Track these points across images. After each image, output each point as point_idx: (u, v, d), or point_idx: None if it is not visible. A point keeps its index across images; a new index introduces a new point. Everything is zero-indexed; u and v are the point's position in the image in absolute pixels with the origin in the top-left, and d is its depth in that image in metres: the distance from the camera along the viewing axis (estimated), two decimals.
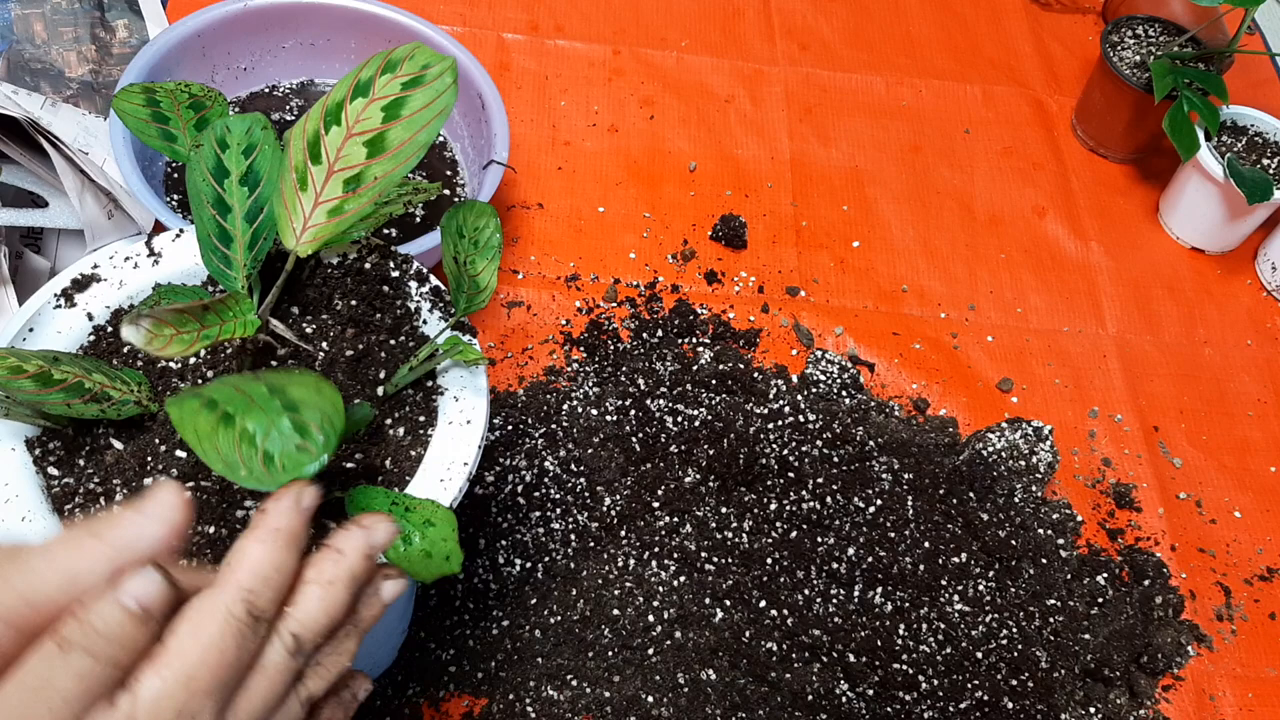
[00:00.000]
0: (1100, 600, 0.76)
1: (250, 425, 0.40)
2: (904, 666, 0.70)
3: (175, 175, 0.83)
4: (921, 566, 0.74)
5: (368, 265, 0.58)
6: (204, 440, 0.40)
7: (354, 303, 0.57)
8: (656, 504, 0.74)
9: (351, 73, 0.47)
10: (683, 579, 0.72)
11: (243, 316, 0.48)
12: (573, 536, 0.72)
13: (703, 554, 0.72)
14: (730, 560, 0.72)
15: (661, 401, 0.79)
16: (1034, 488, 0.80)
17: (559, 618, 0.69)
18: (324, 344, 0.55)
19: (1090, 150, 1.05)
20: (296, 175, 0.47)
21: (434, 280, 0.59)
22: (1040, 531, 0.77)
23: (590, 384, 0.80)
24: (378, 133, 0.46)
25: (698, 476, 0.76)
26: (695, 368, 0.82)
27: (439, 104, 0.46)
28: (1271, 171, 0.93)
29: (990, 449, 0.81)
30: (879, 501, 0.76)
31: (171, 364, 0.54)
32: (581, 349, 0.83)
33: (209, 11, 0.85)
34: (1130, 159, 1.04)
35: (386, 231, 0.82)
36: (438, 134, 0.47)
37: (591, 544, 0.72)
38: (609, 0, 1.07)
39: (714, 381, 0.81)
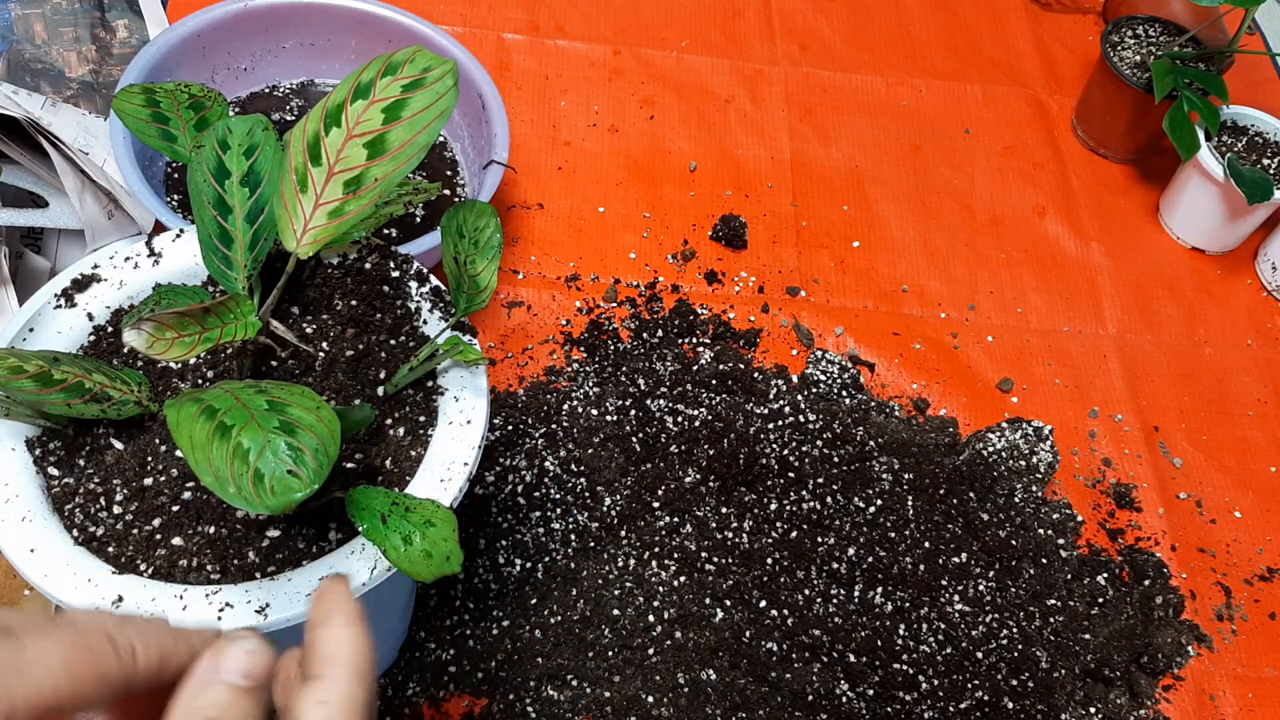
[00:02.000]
0: (1100, 600, 0.76)
1: (246, 441, 0.40)
2: (904, 666, 0.70)
3: (175, 175, 0.83)
4: (922, 566, 0.74)
5: (368, 265, 0.58)
6: (197, 450, 0.40)
7: (354, 303, 0.57)
8: (657, 504, 0.74)
9: (351, 75, 0.47)
10: (683, 579, 0.72)
11: (244, 319, 0.48)
12: (573, 536, 0.72)
13: (703, 554, 0.72)
14: (730, 560, 0.73)
15: (662, 401, 0.79)
16: (1034, 488, 0.80)
17: (559, 618, 0.69)
18: (324, 344, 0.55)
19: (1090, 150, 1.05)
20: (297, 177, 0.47)
21: (434, 280, 0.59)
22: (1040, 531, 0.77)
23: (590, 384, 0.80)
24: (378, 134, 0.46)
25: (698, 476, 0.76)
26: (695, 368, 0.82)
27: (439, 106, 0.46)
28: (1271, 171, 0.93)
29: (990, 449, 0.81)
30: (879, 501, 0.76)
31: (172, 364, 0.54)
32: (582, 349, 0.83)
33: (209, 11, 0.84)
34: (1130, 159, 1.04)
35: (386, 231, 0.82)
36: (438, 135, 0.47)
37: (591, 544, 0.72)
38: (609, 0, 1.07)
39: (714, 381, 0.81)
